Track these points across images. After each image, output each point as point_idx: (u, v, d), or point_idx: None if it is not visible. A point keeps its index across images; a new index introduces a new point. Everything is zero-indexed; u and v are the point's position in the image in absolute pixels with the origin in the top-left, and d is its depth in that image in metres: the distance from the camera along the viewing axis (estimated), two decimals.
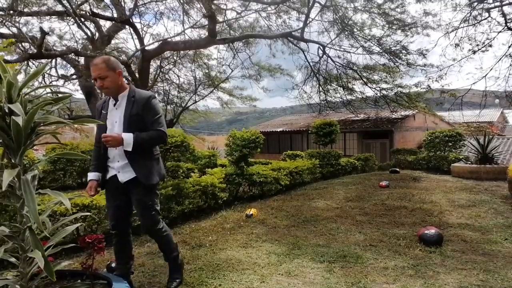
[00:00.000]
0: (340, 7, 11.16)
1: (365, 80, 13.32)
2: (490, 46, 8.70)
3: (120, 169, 2.56)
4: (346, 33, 11.82)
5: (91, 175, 2.62)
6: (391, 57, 12.21)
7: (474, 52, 8.81)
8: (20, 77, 1.91)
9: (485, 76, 8.67)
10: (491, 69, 8.60)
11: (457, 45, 9.00)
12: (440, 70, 10.02)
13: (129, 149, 2.45)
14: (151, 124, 2.54)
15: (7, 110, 1.71)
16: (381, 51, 12.19)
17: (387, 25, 11.38)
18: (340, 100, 14.84)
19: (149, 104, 2.54)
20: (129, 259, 2.74)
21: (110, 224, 2.65)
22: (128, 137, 2.44)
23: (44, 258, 1.59)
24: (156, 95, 15.03)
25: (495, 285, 2.69)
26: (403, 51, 11.87)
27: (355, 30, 11.84)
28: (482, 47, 8.67)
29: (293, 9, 11.66)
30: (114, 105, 2.59)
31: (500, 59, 8.56)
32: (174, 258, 2.79)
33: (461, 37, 9.10)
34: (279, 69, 14.45)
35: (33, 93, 2.06)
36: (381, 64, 12.80)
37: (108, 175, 2.62)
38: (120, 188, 2.59)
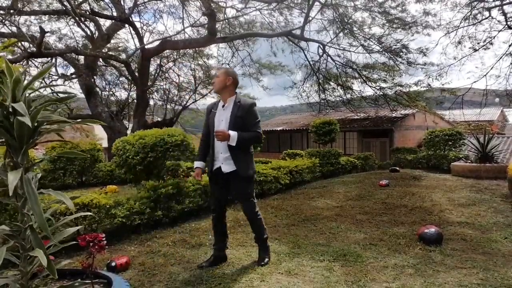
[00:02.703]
0: (340, 5, 11.14)
1: (364, 78, 13.32)
2: (491, 44, 8.70)
3: (223, 161, 3.06)
4: (346, 31, 11.81)
5: (198, 164, 3.25)
6: (392, 56, 12.20)
7: (476, 50, 8.81)
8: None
9: (485, 74, 8.68)
10: (492, 67, 8.63)
11: (459, 42, 9.00)
12: (441, 69, 10.04)
13: (233, 144, 2.95)
14: (251, 126, 3.07)
15: (11, 110, 1.71)
16: (381, 49, 12.18)
17: (387, 24, 11.36)
18: (340, 99, 14.84)
19: (251, 110, 3.09)
20: (225, 237, 3.30)
21: (212, 208, 3.29)
22: (234, 134, 2.95)
23: (46, 257, 1.59)
24: (156, 93, 15.07)
25: (495, 283, 2.69)
26: (403, 50, 11.87)
27: (355, 28, 11.83)
28: (484, 45, 8.67)
29: (293, 7, 11.64)
30: (223, 106, 3.13)
31: (500, 58, 8.58)
32: (264, 240, 3.21)
33: (462, 36, 9.10)
34: (279, 66, 14.40)
35: (36, 92, 2.06)
36: (381, 62, 12.79)
37: (214, 167, 3.12)
38: (223, 178, 3.09)
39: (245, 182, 3.08)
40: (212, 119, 3.15)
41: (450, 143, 9.46)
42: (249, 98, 16.17)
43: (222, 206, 3.23)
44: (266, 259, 3.16)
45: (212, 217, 3.27)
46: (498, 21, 8.78)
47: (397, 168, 9.01)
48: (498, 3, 8.51)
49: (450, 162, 8.51)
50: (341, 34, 12.01)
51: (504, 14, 8.40)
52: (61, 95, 2.12)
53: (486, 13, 8.73)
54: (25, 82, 1.85)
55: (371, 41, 12.18)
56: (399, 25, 11.19)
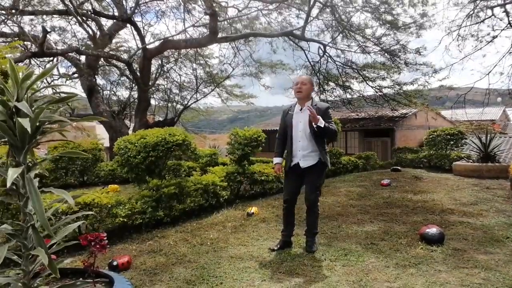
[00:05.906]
0: (340, 6, 11.14)
1: (363, 77, 13.33)
2: (494, 37, 8.66)
3: (302, 158, 3.47)
4: (346, 32, 11.80)
5: (277, 160, 3.72)
6: (390, 56, 12.23)
7: (481, 48, 8.78)
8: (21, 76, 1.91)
9: (488, 73, 8.65)
10: (495, 66, 8.59)
11: (462, 38, 8.96)
12: (440, 69, 10.02)
13: (322, 125, 3.29)
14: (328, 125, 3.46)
15: (14, 109, 1.71)
16: (380, 50, 12.20)
17: (386, 24, 11.36)
18: (340, 99, 14.86)
19: (327, 111, 3.51)
20: (293, 226, 3.69)
21: (284, 198, 3.65)
22: (321, 119, 3.32)
23: (48, 256, 1.59)
24: (157, 93, 15.09)
25: (496, 283, 2.68)
26: (402, 50, 11.91)
27: (355, 29, 11.83)
28: (487, 43, 8.64)
29: (293, 7, 11.63)
30: (300, 109, 3.51)
31: (503, 56, 8.55)
32: (314, 234, 3.56)
33: (465, 34, 9.08)
34: (280, 64, 14.39)
35: (38, 92, 2.06)
36: (380, 62, 12.83)
37: (292, 163, 3.51)
38: (299, 173, 3.49)
39: (318, 174, 3.49)
40: (290, 120, 3.54)
41: (452, 142, 9.43)
42: (248, 96, 16.43)
43: (295, 199, 3.60)
44: (315, 246, 3.46)
45: (283, 207, 3.63)
46: (500, 19, 8.76)
47: (399, 168, 8.98)
48: (500, 1, 8.48)
49: (451, 162, 8.48)
50: (341, 35, 12.01)
51: (507, 13, 8.37)
52: (63, 94, 2.12)
53: (489, 12, 8.70)
54: (28, 82, 1.85)
55: (371, 41, 12.19)
56: (397, 26, 11.17)
